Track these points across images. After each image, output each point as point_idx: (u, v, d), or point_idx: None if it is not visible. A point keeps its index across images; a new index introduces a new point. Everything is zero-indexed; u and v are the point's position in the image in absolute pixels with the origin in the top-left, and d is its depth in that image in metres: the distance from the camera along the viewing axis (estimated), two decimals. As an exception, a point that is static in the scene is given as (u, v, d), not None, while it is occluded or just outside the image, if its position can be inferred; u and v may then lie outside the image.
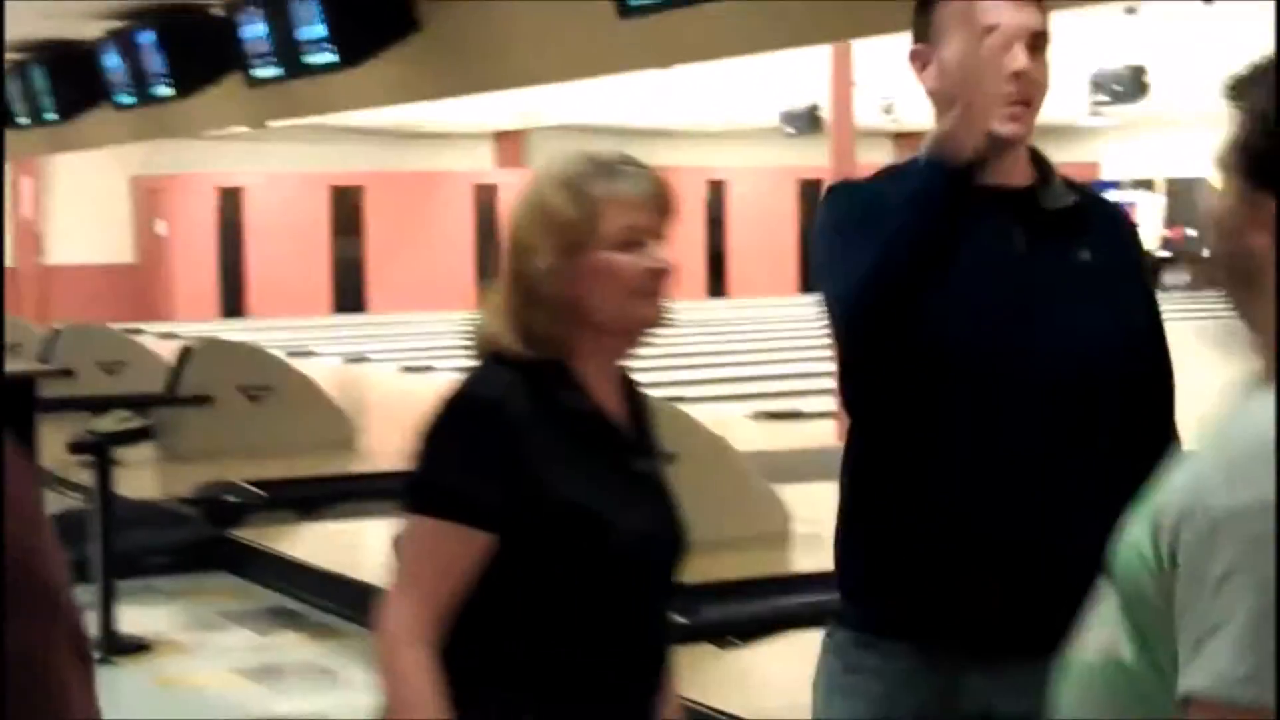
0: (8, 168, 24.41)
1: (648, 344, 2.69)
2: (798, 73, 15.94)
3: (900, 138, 30.42)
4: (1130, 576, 1.98)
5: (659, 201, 2.72)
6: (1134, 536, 1.99)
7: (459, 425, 2.61)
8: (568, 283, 2.59)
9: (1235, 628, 1.82)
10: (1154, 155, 28.19)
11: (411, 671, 2.49)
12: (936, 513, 2.79)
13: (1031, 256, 2.82)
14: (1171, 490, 1.94)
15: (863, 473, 2.94)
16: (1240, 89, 1.97)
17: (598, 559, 2.54)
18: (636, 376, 2.78)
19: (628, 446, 2.67)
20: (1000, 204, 2.82)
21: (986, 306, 2.77)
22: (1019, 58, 2.77)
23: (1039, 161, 2.89)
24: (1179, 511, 1.90)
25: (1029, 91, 2.80)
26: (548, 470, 2.52)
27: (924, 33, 2.87)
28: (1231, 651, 1.81)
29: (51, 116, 13.39)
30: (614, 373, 2.71)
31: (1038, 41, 2.82)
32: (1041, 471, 2.75)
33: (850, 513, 2.97)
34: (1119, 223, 3.02)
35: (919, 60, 2.88)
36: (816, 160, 16.38)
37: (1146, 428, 2.84)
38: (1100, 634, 2.06)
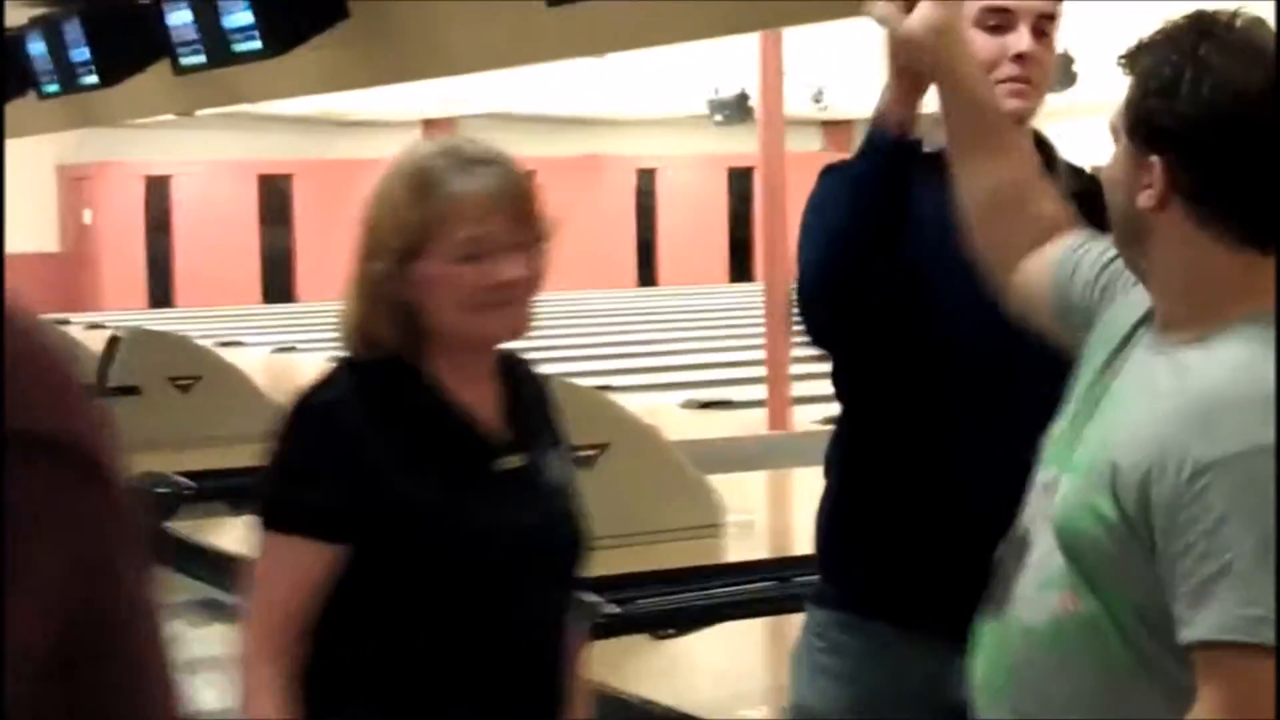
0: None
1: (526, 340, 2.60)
2: (727, 60, 15.96)
3: (829, 126, 30.48)
4: (1085, 534, 1.98)
5: (515, 205, 2.45)
6: (1085, 497, 2.00)
7: (298, 435, 2.50)
8: (405, 289, 2.45)
9: (1240, 572, 1.83)
10: (1081, 144, 28.35)
11: (258, 690, 2.44)
12: (933, 497, 2.80)
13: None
14: (1131, 448, 1.95)
15: (856, 458, 2.93)
16: (1132, 57, 2.04)
17: (447, 560, 2.43)
18: (535, 367, 2.72)
19: (489, 444, 2.52)
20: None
21: (984, 298, 2.67)
22: (1024, 39, 2.78)
23: (1043, 146, 2.86)
24: (1148, 467, 1.91)
25: (1032, 72, 2.81)
26: (390, 474, 2.42)
27: None
28: (1240, 595, 1.82)
29: (-26, 105, 13.26)
30: (484, 368, 2.57)
31: (1044, 24, 2.83)
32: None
33: (839, 496, 2.96)
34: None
35: None
36: (746, 148, 16.39)
37: None
38: (1042, 598, 2.06)
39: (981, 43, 2.77)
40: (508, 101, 25.13)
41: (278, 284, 28.60)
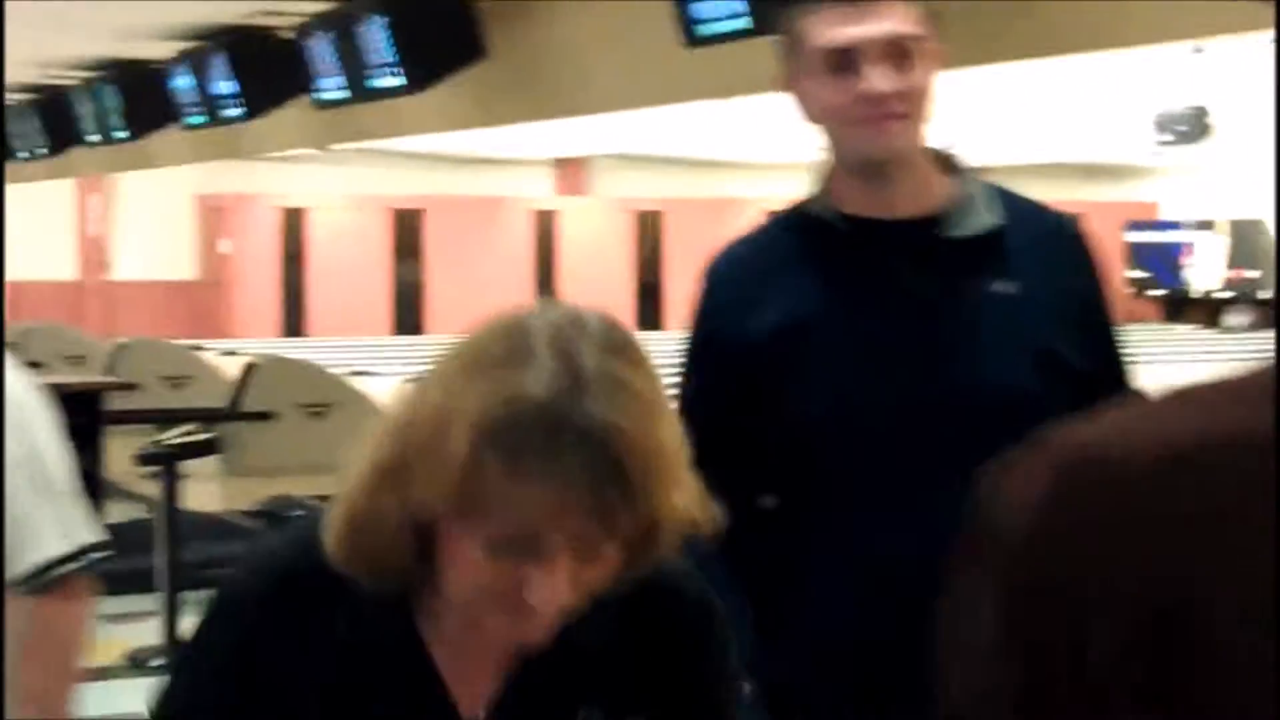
0: (70, 185, 24.64)
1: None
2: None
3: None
4: None
5: (598, 501, 1.68)
6: None
7: (209, 620, 1.97)
8: (426, 532, 1.81)
9: None
10: (1216, 196, 28.09)
11: None
12: (828, 603, 2.47)
13: (919, 295, 2.46)
14: None
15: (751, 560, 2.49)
16: None
17: None
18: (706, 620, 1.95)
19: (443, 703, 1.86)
20: (886, 238, 2.48)
21: (864, 363, 2.44)
22: (872, 77, 2.42)
23: (950, 164, 2.55)
24: None
25: (893, 106, 2.43)
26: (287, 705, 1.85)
27: (790, 58, 2.55)
28: None
29: (121, 135, 13.56)
30: (488, 647, 1.86)
31: (903, 45, 2.45)
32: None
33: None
34: (1062, 236, 2.58)
35: (788, 86, 2.57)
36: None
37: None
38: None
39: (826, 91, 2.47)
40: (639, 143, 25.27)
41: (408, 316, 28.87)
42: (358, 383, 13.25)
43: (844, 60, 2.46)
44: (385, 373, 20.18)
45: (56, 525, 2.73)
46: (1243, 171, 26.54)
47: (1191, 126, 16.40)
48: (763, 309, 2.49)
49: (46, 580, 2.73)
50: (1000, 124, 20.08)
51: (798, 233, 2.57)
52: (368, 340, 26.41)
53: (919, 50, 2.47)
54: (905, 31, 2.46)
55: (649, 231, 30.70)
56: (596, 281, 30.06)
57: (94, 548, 2.78)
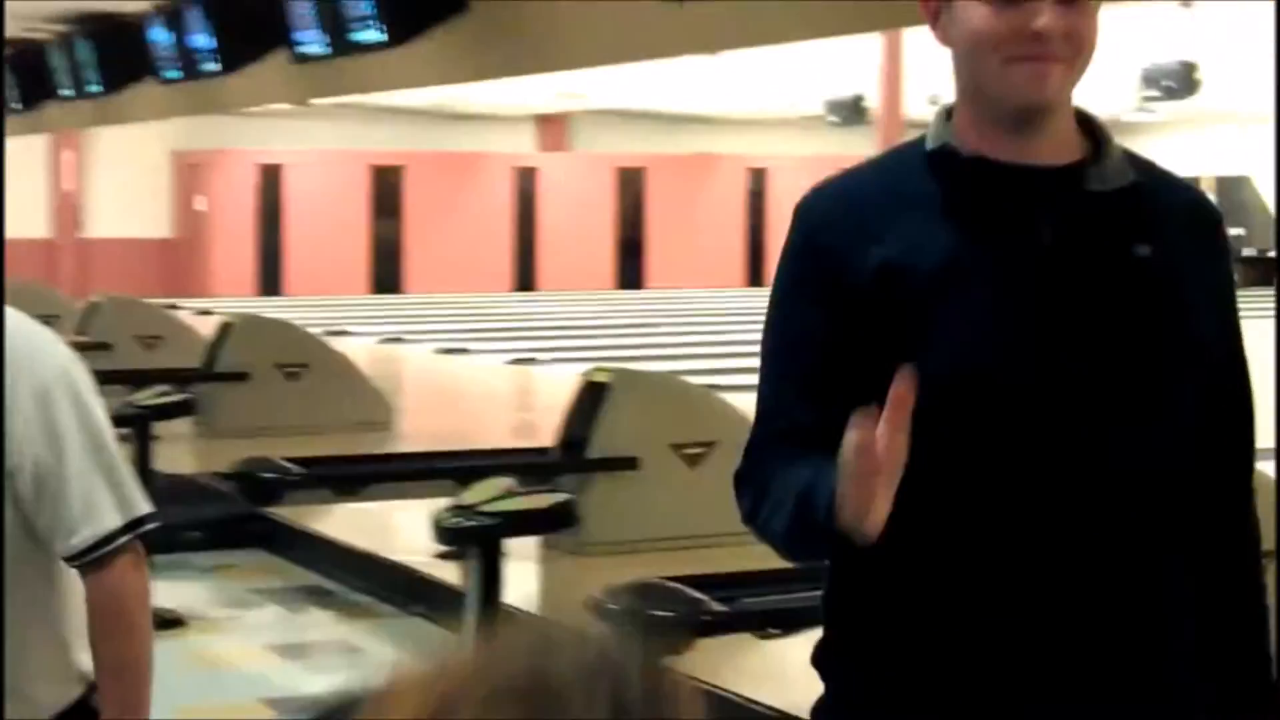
0: (44, 140, 24.44)
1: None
2: (845, 62, 15.86)
3: (943, 130, 30.24)
4: None
5: None
6: None
7: None
8: None
9: None
10: (1202, 152, 28.02)
11: None
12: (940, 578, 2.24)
13: (1064, 252, 2.24)
14: None
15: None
16: None
17: None
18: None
19: None
20: (1028, 186, 2.26)
21: (1001, 322, 2.22)
22: (1042, 11, 2.20)
23: (1093, 133, 2.32)
24: None
25: (1056, 48, 2.21)
26: None
27: None
28: None
29: (95, 89, 13.39)
30: None
31: None
32: (1075, 530, 2.21)
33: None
34: (1199, 215, 2.40)
35: (929, 5, 2.31)
36: (861, 150, 16.29)
37: (1209, 478, 2.31)
38: None
39: (983, 19, 2.23)
40: (621, 98, 25.13)
41: (386, 275, 28.73)
42: (335, 342, 13.12)
43: None
44: (363, 332, 20.09)
45: (111, 497, 2.74)
46: (1229, 127, 26.46)
47: (1179, 82, 16.30)
48: (883, 246, 2.24)
49: (107, 553, 2.73)
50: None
51: (920, 171, 2.30)
52: (345, 299, 26.27)
53: None
54: None
55: (631, 188, 30.57)
56: (577, 238, 29.94)
57: (147, 518, 2.78)
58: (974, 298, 2.20)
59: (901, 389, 2.06)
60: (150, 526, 2.78)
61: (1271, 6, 10.55)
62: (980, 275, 2.21)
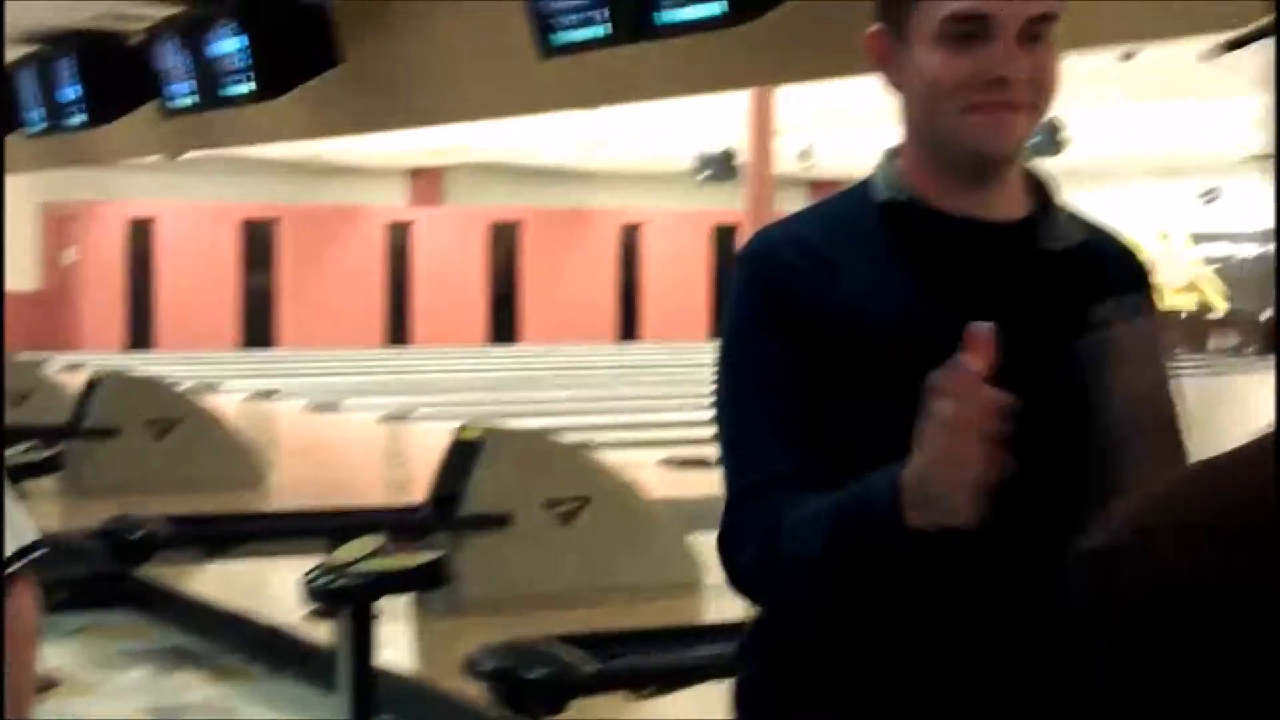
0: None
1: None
2: (716, 116, 15.97)
3: (817, 186, 30.49)
4: None
5: None
6: None
7: None
8: None
9: None
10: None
11: None
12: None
13: (1025, 313, 2.14)
14: None
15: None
16: None
17: None
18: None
19: None
20: (986, 243, 2.17)
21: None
22: (1004, 55, 2.09)
23: (1037, 186, 2.24)
24: None
25: (1018, 94, 2.11)
26: None
27: (894, 15, 2.18)
28: None
29: (-39, 141, 13.20)
30: None
31: (1037, 27, 2.12)
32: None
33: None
34: (1138, 269, 2.32)
35: (878, 48, 2.19)
36: (731, 205, 16.41)
37: None
38: None
39: (942, 63, 2.11)
40: (495, 152, 25.13)
41: (258, 329, 28.52)
42: (206, 398, 12.99)
43: (975, 28, 2.10)
44: (234, 388, 19.90)
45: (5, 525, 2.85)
46: (1096, 184, 26.82)
47: (1045, 139, 16.53)
48: (843, 291, 2.13)
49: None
50: (857, 136, 20.15)
51: (872, 220, 2.18)
52: (216, 354, 26.04)
53: (1051, 32, 2.13)
54: (1051, 9, 2.12)
55: (504, 242, 30.56)
56: (451, 293, 29.87)
57: (35, 545, 2.87)
58: (937, 354, 1.97)
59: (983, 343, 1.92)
60: (39, 553, 2.86)
61: (1114, 62, 10.75)
62: (942, 331, 2.01)
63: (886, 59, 2.18)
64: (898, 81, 2.18)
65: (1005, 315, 2.03)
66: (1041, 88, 2.12)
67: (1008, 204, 2.19)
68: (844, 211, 2.23)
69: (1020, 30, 2.10)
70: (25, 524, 2.92)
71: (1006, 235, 2.18)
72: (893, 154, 2.23)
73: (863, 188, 2.23)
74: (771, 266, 2.18)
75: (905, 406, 2.00)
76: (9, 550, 2.88)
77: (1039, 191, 2.23)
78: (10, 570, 2.87)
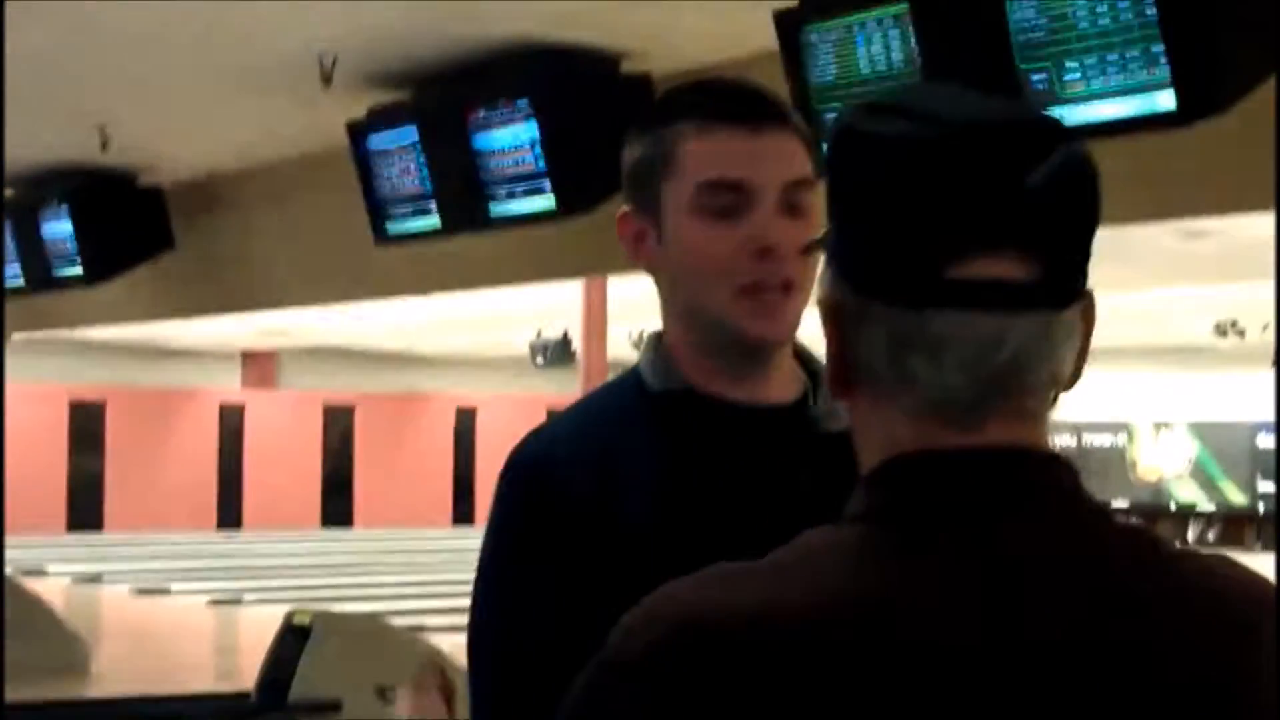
0: None
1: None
2: (551, 302, 16.11)
3: (649, 370, 30.71)
4: None
5: None
6: None
7: None
8: None
9: None
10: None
11: None
12: None
13: (819, 502, 1.70)
14: None
15: None
16: None
17: None
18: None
19: None
20: (767, 431, 2.01)
21: None
22: (769, 227, 1.95)
23: (807, 362, 2.09)
24: None
25: (788, 269, 1.95)
26: None
27: (644, 192, 2.03)
28: None
29: None
30: None
31: (796, 195, 1.98)
32: None
33: None
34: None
35: (629, 230, 2.05)
36: (567, 389, 16.52)
37: None
38: None
39: (703, 236, 1.97)
40: (329, 336, 25.11)
41: (86, 512, 28.07)
42: (30, 582, 12.76)
43: (734, 199, 1.96)
44: (59, 571, 19.55)
45: None
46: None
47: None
48: (620, 498, 1.96)
49: None
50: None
51: (645, 414, 2.02)
52: (41, 538, 25.57)
53: (811, 204, 1.98)
54: (806, 175, 1.98)
55: (338, 425, 30.43)
56: (283, 475, 29.62)
57: None
58: (736, 549, 1.63)
59: None
60: None
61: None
62: (738, 523, 1.90)
63: (641, 241, 2.03)
64: (655, 265, 2.03)
65: (781, 503, 1.92)
66: (808, 262, 1.94)
67: (783, 386, 2.04)
68: (616, 406, 2.06)
69: (779, 199, 1.96)
70: None
71: (784, 419, 2.02)
72: (656, 340, 2.08)
73: (634, 375, 2.07)
74: (542, 478, 2.00)
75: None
76: None
77: (809, 366, 2.08)
78: None
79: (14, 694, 9.42)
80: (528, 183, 6.08)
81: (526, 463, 2.03)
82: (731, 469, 1.99)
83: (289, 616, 8.27)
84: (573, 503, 1.96)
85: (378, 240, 6.91)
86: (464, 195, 6.34)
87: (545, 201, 6.04)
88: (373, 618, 9.44)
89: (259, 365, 30.05)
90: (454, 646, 9.01)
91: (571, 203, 6.00)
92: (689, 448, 2.00)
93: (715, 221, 1.96)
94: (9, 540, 26.65)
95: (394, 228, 6.79)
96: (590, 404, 2.12)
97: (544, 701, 1.72)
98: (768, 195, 1.96)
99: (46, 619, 11.29)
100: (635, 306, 15.79)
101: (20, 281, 9.63)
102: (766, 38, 4.92)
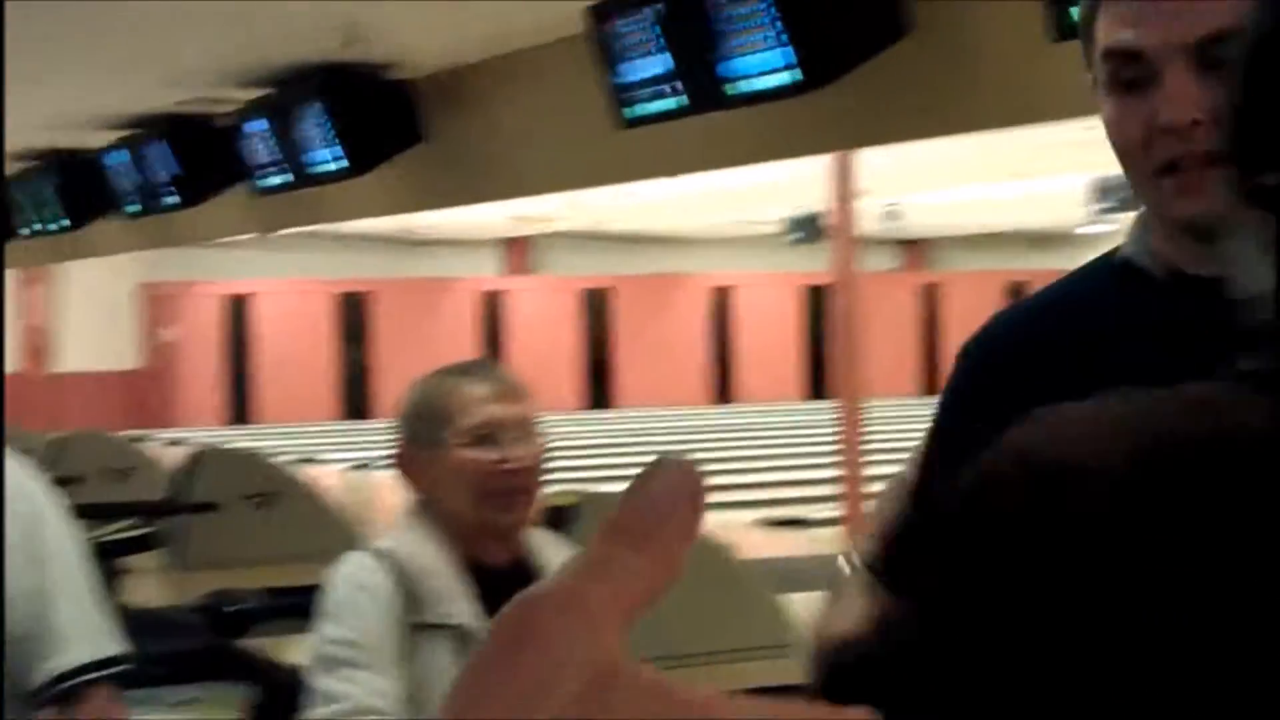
0: (12, 276, 24.50)
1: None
2: (803, 179, 16.04)
3: (904, 244, 30.51)
4: None
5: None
6: None
7: None
8: None
9: None
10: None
11: None
12: None
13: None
14: None
15: None
16: None
17: None
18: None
19: None
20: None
21: None
22: (1170, 100, 1.75)
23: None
24: None
25: (1204, 144, 1.72)
26: None
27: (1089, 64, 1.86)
28: None
29: (59, 225, 13.47)
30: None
31: (1214, 50, 1.73)
32: None
33: None
34: None
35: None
36: (822, 266, 16.46)
37: None
38: None
39: (1114, 113, 1.80)
40: (584, 220, 25.31)
41: (356, 400, 28.77)
42: (304, 471, 13.14)
43: (1133, 73, 1.75)
44: (333, 459, 20.09)
45: (81, 630, 2.63)
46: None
47: (1129, 192, 16.45)
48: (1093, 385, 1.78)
49: (69, 689, 2.61)
50: (944, 194, 20.16)
51: (1119, 293, 1.86)
52: (315, 426, 26.27)
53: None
54: (1225, 26, 1.63)
55: (597, 309, 30.72)
56: (545, 361, 30.03)
57: (120, 659, 2.68)
58: None
59: None
60: (123, 669, 2.69)
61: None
62: None
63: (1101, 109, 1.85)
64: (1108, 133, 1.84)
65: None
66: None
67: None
68: (1096, 279, 1.93)
69: (1189, 62, 1.72)
70: (107, 632, 2.72)
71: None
72: (1143, 221, 1.91)
73: (1114, 258, 1.93)
74: (990, 367, 1.89)
75: None
76: (86, 658, 2.66)
77: None
78: (87, 679, 2.65)
79: (293, 578, 9.73)
80: (769, 56, 6.05)
81: (974, 342, 1.92)
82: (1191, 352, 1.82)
83: (551, 498, 8.42)
84: (1016, 382, 1.75)
85: (618, 125, 6.94)
86: (705, 74, 6.34)
87: (787, 75, 6.00)
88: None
89: (517, 252, 30.42)
90: (713, 524, 9.08)
91: (814, 75, 5.96)
92: (1150, 325, 1.80)
93: (1124, 95, 1.77)
94: (285, 428, 27.42)
95: (634, 111, 6.81)
96: (1076, 274, 1.97)
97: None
98: (1174, 61, 1.72)
99: (322, 506, 11.61)
100: (886, 179, 15.66)
101: (280, 179, 9.87)
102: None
